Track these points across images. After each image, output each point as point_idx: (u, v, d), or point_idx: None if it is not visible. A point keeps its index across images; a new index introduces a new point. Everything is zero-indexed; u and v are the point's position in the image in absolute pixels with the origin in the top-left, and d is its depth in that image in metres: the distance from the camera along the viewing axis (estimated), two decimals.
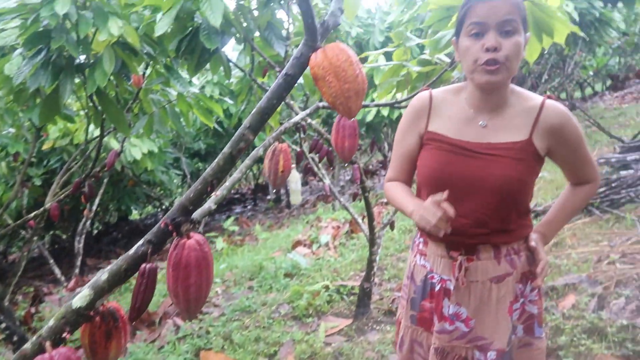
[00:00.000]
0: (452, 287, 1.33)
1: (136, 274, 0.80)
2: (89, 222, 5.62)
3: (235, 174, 1.13)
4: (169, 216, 0.80)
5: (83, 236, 5.30)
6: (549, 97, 1.28)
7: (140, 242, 0.79)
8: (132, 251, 0.79)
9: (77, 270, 5.11)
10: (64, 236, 7.68)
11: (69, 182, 3.44)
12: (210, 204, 1.06)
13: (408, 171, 1.42)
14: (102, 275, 0.76)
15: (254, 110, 0.81)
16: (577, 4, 5.75)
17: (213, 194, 0.87)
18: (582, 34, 1.59)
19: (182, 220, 0.79)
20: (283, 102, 0.94)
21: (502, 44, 1.16)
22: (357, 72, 0.85)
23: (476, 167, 1.26)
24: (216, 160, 0.80)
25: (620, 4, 7.42)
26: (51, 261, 5.11)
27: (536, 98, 1.28)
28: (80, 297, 0.76)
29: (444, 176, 1.28)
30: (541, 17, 1.60)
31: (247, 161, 1.17)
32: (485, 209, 1.26)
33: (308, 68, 0.88)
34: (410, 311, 1.44)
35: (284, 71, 0.84)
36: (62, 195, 2.78)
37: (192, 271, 0.85)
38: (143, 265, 0.79)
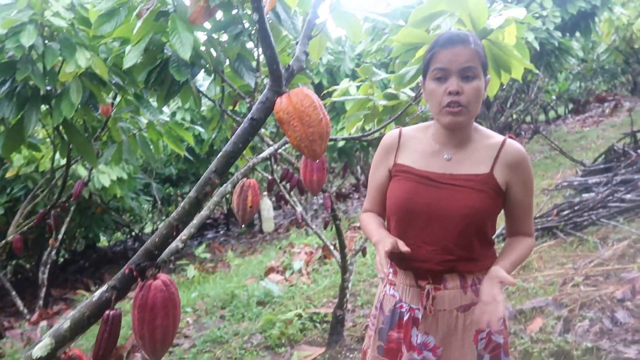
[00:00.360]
0: (420, 316, 1.36)
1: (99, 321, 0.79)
2: (54, 251, 5.44)
3: (203, 212, 1.13)
4: (133, 261, 0.79)
5: (48, 266, 5.13)
6: (509, 137, 1.37)
7: (104, 287, 0.78)
8: (95, 297, 0.78)
9: (41, 302, 4.92)
10: (28, 266, 7.39)
11: (33, 211, 3.34)
12: (177, 242, 1.05)
13: (381, 202, 1.50)
14: (64, 324, 0.75)
15: (220, 154, 0.82)
16: (537, 34, 6.03)
17: (178, 237, 0.87)
18: (537, 71, 1.68)
19: (147, 265, 0.79)
20: None
21: (463, 88, 1.25)
22: (321, 116, 0.88)
23: (440, 197, 1.33)
24: (182, 204, 0.81)
25: (577, 34, 7.80)
26: (13, 293, 4.91)
27: (498, 136, 1.38)
28: (41, 347, 0.75)
29: (410, 205, 1.34)
30: (499, 55, 1.68)
31: (215, 198, 1.17)
32: (450, 236, 1.32)
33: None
34: (377, 341, 1.46)
35: (249, 115, 0.85)
36: (26, 227, 2.70)
37: (159, 312, 0.85)
38: (106, 312, 0.78)
